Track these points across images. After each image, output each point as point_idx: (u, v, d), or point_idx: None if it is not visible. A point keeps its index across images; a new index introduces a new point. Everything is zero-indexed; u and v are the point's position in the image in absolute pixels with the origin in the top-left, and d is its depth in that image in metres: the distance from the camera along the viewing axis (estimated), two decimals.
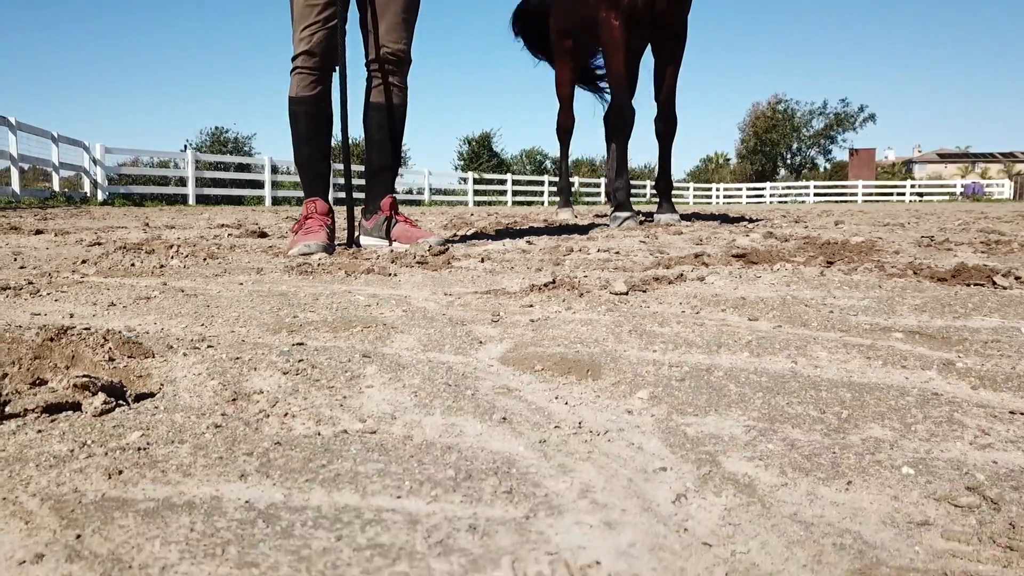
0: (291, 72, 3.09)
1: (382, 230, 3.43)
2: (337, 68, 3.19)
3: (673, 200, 5.96)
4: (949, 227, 4.80)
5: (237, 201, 18.63)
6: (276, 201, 18.77)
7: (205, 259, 2.60)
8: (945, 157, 54.19)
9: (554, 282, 1.88)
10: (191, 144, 29.09)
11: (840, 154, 47.69)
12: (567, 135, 7.27)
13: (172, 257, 2.61)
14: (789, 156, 48.32)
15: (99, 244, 3.24)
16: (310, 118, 3.17)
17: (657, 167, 5.99)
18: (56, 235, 3.96)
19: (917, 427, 0.86)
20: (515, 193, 27.02)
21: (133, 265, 2.33)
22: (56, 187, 14.06)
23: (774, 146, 47.27)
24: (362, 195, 3.58)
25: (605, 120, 6.95)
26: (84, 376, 0.90)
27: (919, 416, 0.89)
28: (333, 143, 3.67)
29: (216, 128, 30.79)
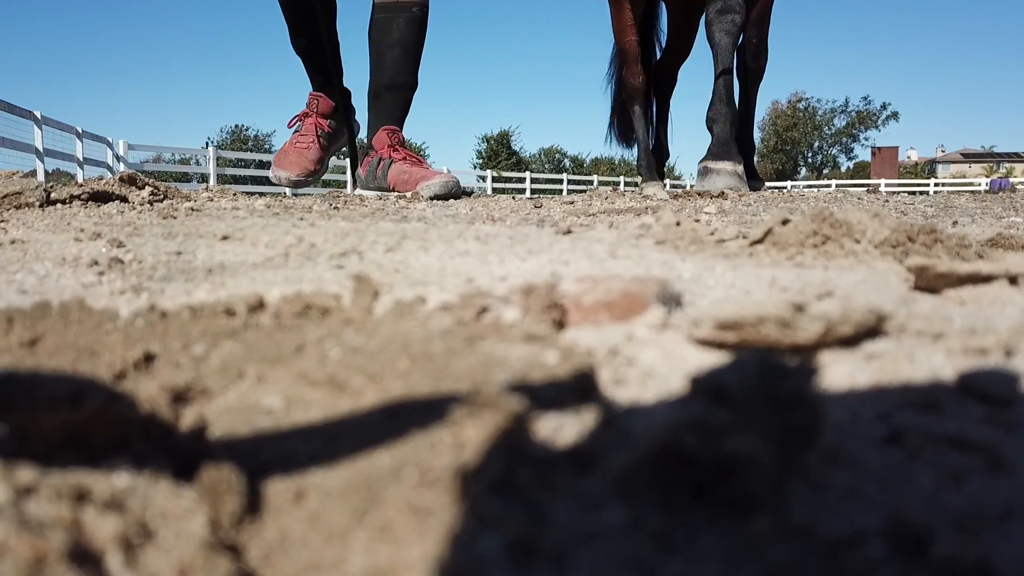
0: None
1: (376, 177, 2.55)
2: None
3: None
4: None
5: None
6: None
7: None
8: (969, 157, 53.41)
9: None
10: (212, 141, 29.48)
11: (863, 153, 47.37)
12: (638, 95, 5.10)
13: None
14: (810, 155, 48.01)
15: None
16: None
17: (738, 121, 4.20)
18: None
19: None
20: (534, 191, 27.06)
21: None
22: (80, 182, 14.25)
23: (795, 144, 46.97)
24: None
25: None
26: None
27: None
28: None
29: (236, 126, 31.20)
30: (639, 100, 5.14)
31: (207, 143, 28.86)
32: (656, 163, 5.22)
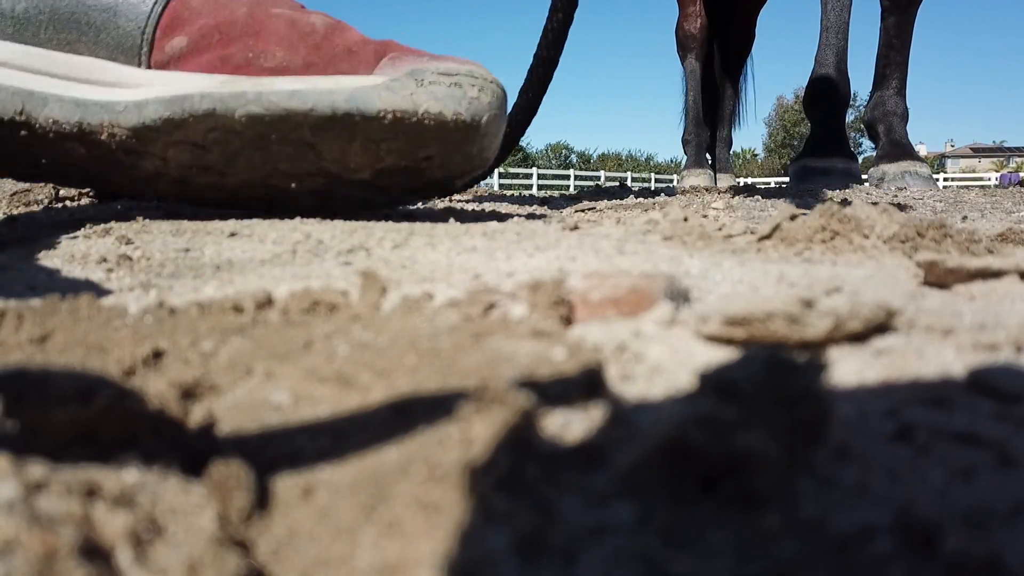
0: None
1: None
2: None
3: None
4: None
5: None
6: None
7: None
8: (979, 152, 53.10)
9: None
10: None
11: (871, 149, 47.10)
12: (693, 43, 3.92)
13: None
14: None
15: None
16: None
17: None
18: None
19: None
20: (540, 187, 27.05)
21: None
22: None
23: (802, 140, 46.80)
24: None
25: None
26: None
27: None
28: None
29: None
30: (695, 52, 3.97)
31: None
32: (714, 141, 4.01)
